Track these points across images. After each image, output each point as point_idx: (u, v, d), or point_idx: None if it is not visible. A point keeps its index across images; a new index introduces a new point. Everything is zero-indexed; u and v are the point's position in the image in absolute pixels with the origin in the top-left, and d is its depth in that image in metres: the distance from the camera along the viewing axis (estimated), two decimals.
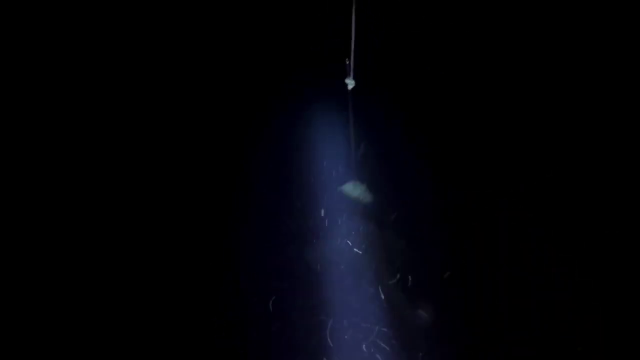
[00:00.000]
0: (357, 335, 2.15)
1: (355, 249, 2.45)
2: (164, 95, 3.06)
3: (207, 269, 2.30)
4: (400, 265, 2.39)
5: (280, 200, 2.63)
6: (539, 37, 3.00)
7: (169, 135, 2.89)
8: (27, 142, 2.72)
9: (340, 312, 2.22)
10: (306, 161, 2.82)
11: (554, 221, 2.55)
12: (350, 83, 2.27)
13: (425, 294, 2.28)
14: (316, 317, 2.18)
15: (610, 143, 2.81)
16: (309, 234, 2.49)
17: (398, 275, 2.35)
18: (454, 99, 3.11)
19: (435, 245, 2.46)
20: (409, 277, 2.35)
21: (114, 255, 2.33)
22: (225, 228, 2.47)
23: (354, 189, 2.66)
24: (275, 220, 2.54)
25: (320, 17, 2.85)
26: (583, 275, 2.32)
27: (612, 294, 2.25)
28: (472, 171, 2.80)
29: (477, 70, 3.11)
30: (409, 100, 3.14)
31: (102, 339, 2.07)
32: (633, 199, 2.58)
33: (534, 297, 2.26)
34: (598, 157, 2.79)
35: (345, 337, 2.15)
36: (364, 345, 2.14)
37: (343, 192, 2.67)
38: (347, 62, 2.25)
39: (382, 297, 2.26)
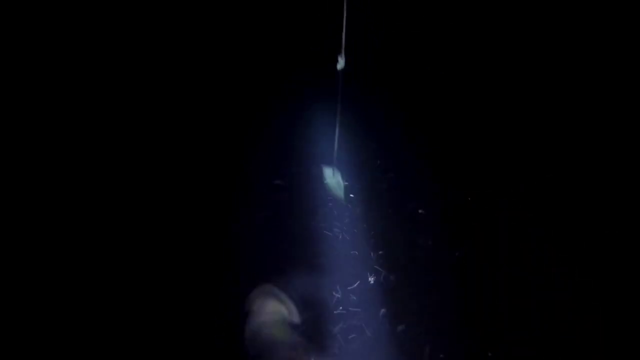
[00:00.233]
0: (357, 335, 2.15)
1: (355, 249, 2.45)
2: (164, 95, 3.06)
3: (207, 269, 2.30)
4: (400, 265, 2.39)
5: (280, 200, 2.64)
6: (539, 37, 3.01)
7: (169, 135, 2.89)
8: (27, 142, 2.72)
9: (340, 311, 2.22)
10: (306, 161, 2.82)
11: (554, 221, 2.55)
12: (340, 63, 2.19)
13: (425, 294, 2.28)
14: (316, 317, 2.18)
15: (610, 143, 2.82)
16: (309, 234, 2.49)
17: (398, 276, 2.35)
18: (454, 98, 3.11)
19: (435, 246, 2.46)
20: (409, 277, 2.35)
21: (113, 255, 2.33)
22: (225, 228, 2.47)
23: (333, 177, 2.67)
24: (276, 220, 2.54)
25: (320, 17, 2.86)
26: (583, 275, 2.33)
27: (612, 294, 2.25)
28: (472, 171, 2.81)
29: (477, 70, 3.11)
30: (409, 100, 3.14)
31: (102, 339, 2.06)
32: (633, 199, 2.58)
33: (534, 297, 2.26)
34: (598, 157, 2.79)
35: (349, 337, 2.15)
36: (363, 345, 2.14)
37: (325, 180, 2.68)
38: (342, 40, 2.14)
39: (382, 297, 2.26)
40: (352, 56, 2.17)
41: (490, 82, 3.07)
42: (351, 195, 2.65)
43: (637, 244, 2.40)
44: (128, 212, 2.51)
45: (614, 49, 2.88)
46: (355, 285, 2.31)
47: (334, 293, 2.27)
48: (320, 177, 2.72)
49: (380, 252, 2.41)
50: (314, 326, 2.11)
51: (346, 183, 2.69)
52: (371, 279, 2.33)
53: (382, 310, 2.22)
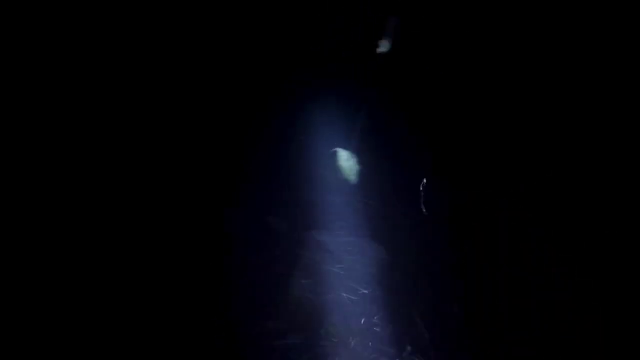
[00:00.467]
0: (357, 335, 2.15)
1: (354, 249, 2.45)
2: (164, 95, 3.06)
3: (207, 269, 2.30)
4: (400, 265, 2.39)
5: (280, 200, 2.64)
6: (539, 37, 3.00)
7: (169, 135, 2.89)
8: (27, 142, 2.72)
9: (340, 311, 2.22)
10: (306, 161, 2.82)
11: (554, 221, 2.55)
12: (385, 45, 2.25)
13: (425, 294, 2.28)
14: (316, 317, 2.18)
15: (610, 143, 2.81)
16: (309, 234, 2.49)
17: (398, 275, 2.35)
18: (454, 99, 3.11)
19: (435, 246, 2.46)
20: (409, 277, 2.35)
21: (112, 255, 2.33)
22: (225, 228, 2.47)
23: (347, 160, 2.68)
24: (276, 220, 2.54)
25: (320, 17, 2.86)
26: (583, 275, 2.33)
27: (612, 294, 2.25)
28: (472, 171, 2.80)
29: (478, 70, 3.11)
30: (409, 100, 3.14)
31: (101, 339, 2.06)
32: (633, 199, 2.58)
33: (534, 297, 2.26)
34: (598, 157, 2.79)
35: (350, 340, 2.15)
36: (364, 345, 2.14)
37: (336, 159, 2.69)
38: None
39: (382, 297, 2.26)
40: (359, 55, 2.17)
41: (490, 83, 3.07)
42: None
43: (637, 244, 2.40)
44: (128, 212, 2.51)
45: (614, 49, 2.88)
46: (355, 285, 2.31)
47: (334, 293, 2.27)
48: (334, 160, 2.72)
49: (380, 252, 2.41)
50: (314, 326, 2.11)
51: (360, 167, 2.70)
52: (370, 279, 2.33)
53: (382, 310, 2.23)
